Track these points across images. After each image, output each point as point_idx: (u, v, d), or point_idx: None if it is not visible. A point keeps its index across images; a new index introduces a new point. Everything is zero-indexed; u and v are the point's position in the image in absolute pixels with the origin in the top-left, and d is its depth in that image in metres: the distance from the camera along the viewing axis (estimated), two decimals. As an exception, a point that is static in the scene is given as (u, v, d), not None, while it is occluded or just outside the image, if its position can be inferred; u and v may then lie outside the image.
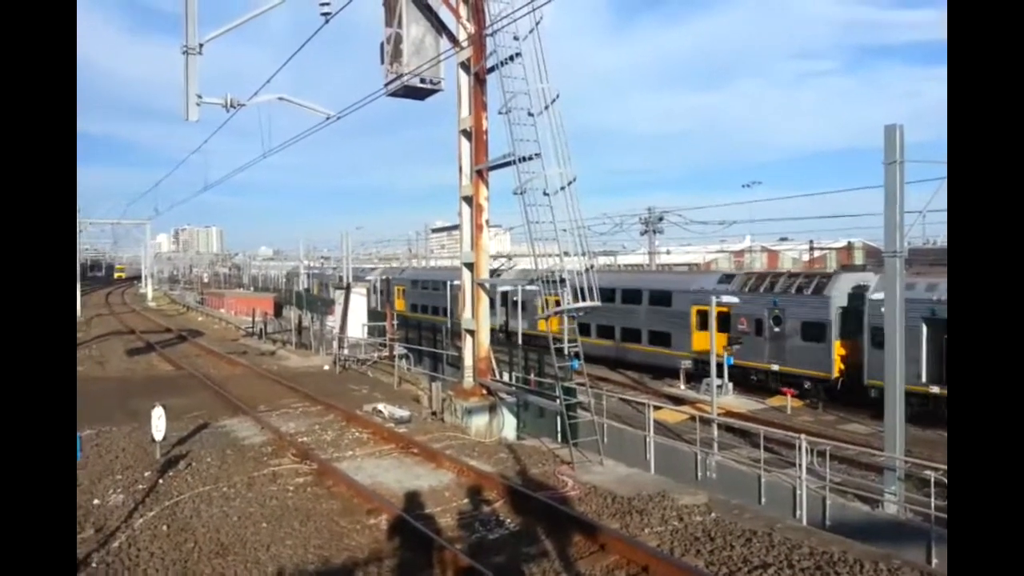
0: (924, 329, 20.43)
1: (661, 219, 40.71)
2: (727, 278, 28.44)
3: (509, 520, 9.60)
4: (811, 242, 55.88)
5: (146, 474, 11.66)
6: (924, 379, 20.28)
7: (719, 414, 19.11)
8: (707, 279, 29.91)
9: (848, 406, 22.47)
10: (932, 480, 10.32)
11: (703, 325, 26.19)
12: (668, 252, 52.65)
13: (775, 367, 24.63)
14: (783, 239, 63.35)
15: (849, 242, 61.08)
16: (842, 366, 23.30)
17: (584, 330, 21.95)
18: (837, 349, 23.34)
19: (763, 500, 12.25)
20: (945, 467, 10.76)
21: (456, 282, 27.94)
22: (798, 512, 11.68)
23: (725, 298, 23.46)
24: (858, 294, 23.16)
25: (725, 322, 25.41)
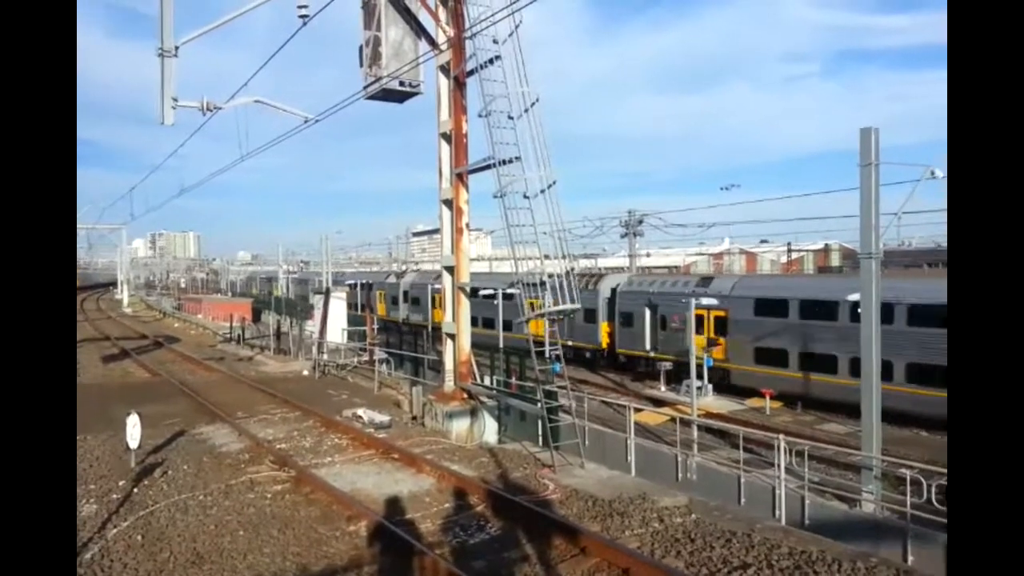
0: (647, 312, 30.22)
1: (641, 222, 40.90)
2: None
3: (490, 524, 9.55)
4: (788, 244, 56.56)
5: (120, 483, 11.44)
6: (648, 347, 30.23)
7: (699, 415, 19.25)
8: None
9: (610, 368, 32.07)
10: (908, 479, 10.46)
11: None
12: (648, 255, 52.94)
13: (569, 343, 30.23)
14: (763, 241, 64.07)
15: (826, 244, 61.93)
16: (607, 340, 32.62)
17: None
18: (603, 328, 32.66)
19: (743, 500, 12.33)
20: (920, 465, 10.92)
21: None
22: (777, 512, 11.78)
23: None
24: (615, 289, 32.31)
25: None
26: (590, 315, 32.60)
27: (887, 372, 20.42)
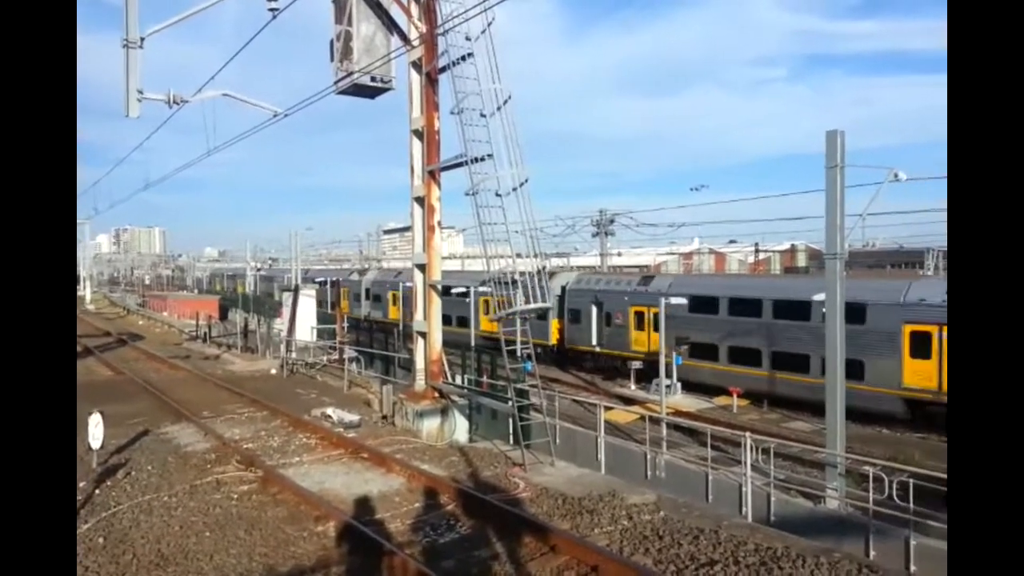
0: (594, 309, 30.95)
1: (612, 221, 41.17)
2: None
3: (460, 523, 9.53)
4: (756, 244, 57.43)
5: (81, 484, 11.16)
6: (595, 342, 30.99)
7: (668, 414, 19.44)
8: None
9: (559, 362, 32.56)
10: (871, 475, 10.69)
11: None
12: (619, 254, 53.30)
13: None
14: (731, 241, 64.95)
15: (792, 244, 63.02)
16: (557, 336, 32.94)
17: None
18: (554, 325, 32.66)
19: (710, 498, 12.49)
20: (883, 463, 11.17)
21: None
22: (744, 509, 11.95)
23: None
24: (565, 287, 32.63)
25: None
26: (542, 312, 32.65)
27: (804, 365, 22.65)
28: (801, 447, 15.45)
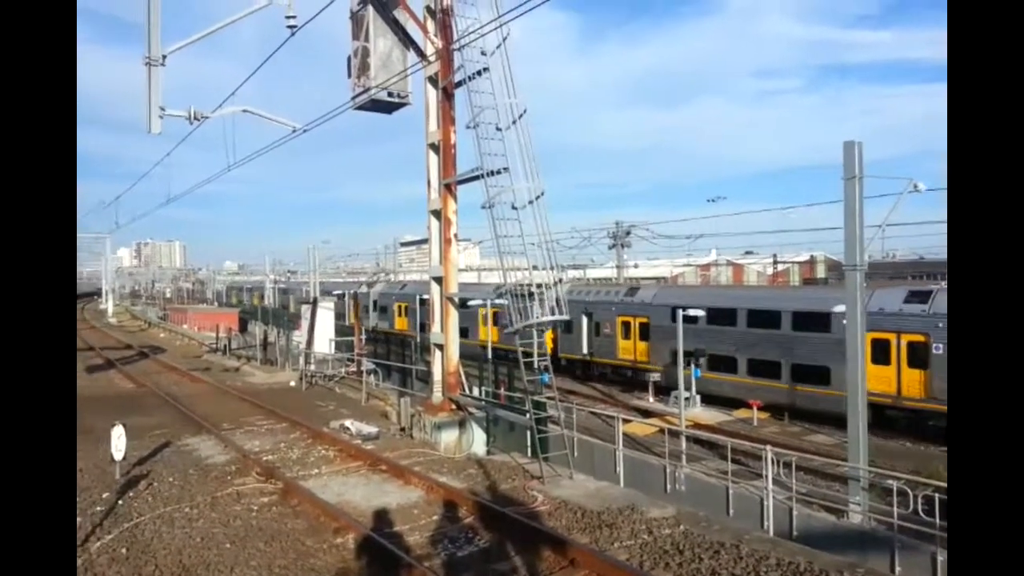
0: (584, 319, 31.72)
1: (628, 233, 41.12)
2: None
3: (479, 537, 9.51)
4: (775, 256, 56.96)
5: (104, 495, 11.29)
6: (585, 351, 31.94)
7: (687, 427, 19.29)
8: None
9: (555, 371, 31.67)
10: (895, 489, 10.52)
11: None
12: (636, 266, 53.16)
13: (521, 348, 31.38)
14: (748, 253, 64.44)
15: (811, 255, 62.43)
16: (551, 345, 30.99)
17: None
18: (548, 335, 30.66)
19: (731, 512, 12.36)
20: (907, 476, 10.99)
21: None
22: (765, 523, 11.81)
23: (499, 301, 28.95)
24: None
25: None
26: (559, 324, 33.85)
27: (776, 371, 23.80)
28: (823, 461, 15.25)
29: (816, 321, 22.99)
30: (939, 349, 20.13)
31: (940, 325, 19.89)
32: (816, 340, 22.83)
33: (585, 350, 32.34)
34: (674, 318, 27.35)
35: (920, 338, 20.68)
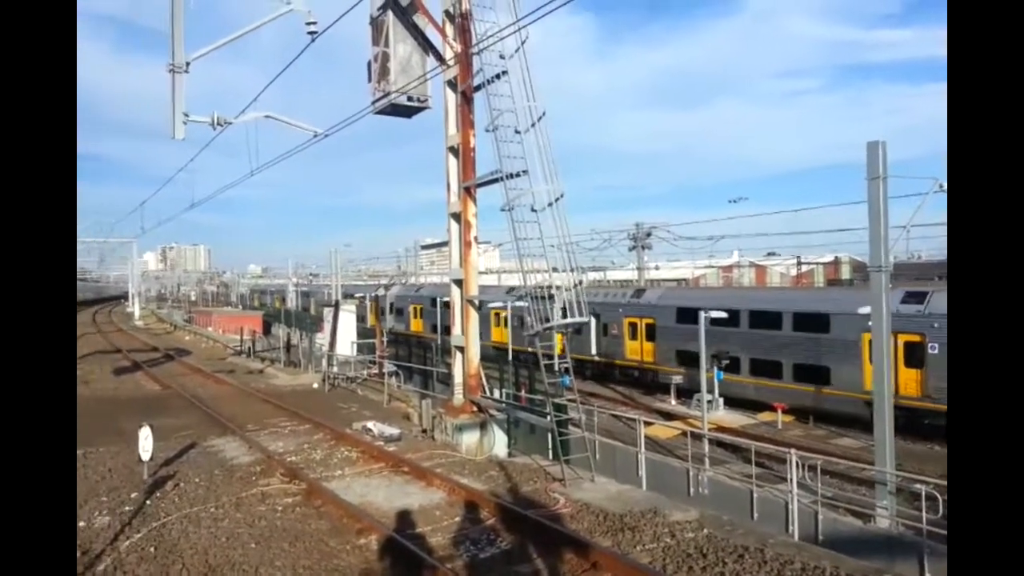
0: (592, 321, 29.98)
1: (649, 235, 40.84)
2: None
3: (500, 539, 9.52)
4: (798, 257, 56.33)
5: (133, 495, 11.50)
6: (594, 351, 31.79)
7: (710, 429, 19.13)
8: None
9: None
10: (923, 494, 10.34)
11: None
12: (657, 268, 52.85)
13: (529, 349, 31.21)
14: (771, 254, 63.81)
15: (836, 257, 61.62)
16: (561, 347, 30.83)
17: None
18: (559, 337, 30.87)
19: (755, 515, 12.23)
20: (936, 481, 10.80)
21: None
22: (790, 527, 11.66)
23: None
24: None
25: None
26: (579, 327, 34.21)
27: (777, 371, 24.30)
28: (849, 464, 15.00)
29: (816, 322, 23.45)
30: (935, 349, 20.20)
31: (936, 325, 19.99)
32: (815, 341, 23.28)
33: (594, 351, 32.41)
34: (679, 319, 28.33)
35: (916, 338, 20.71)
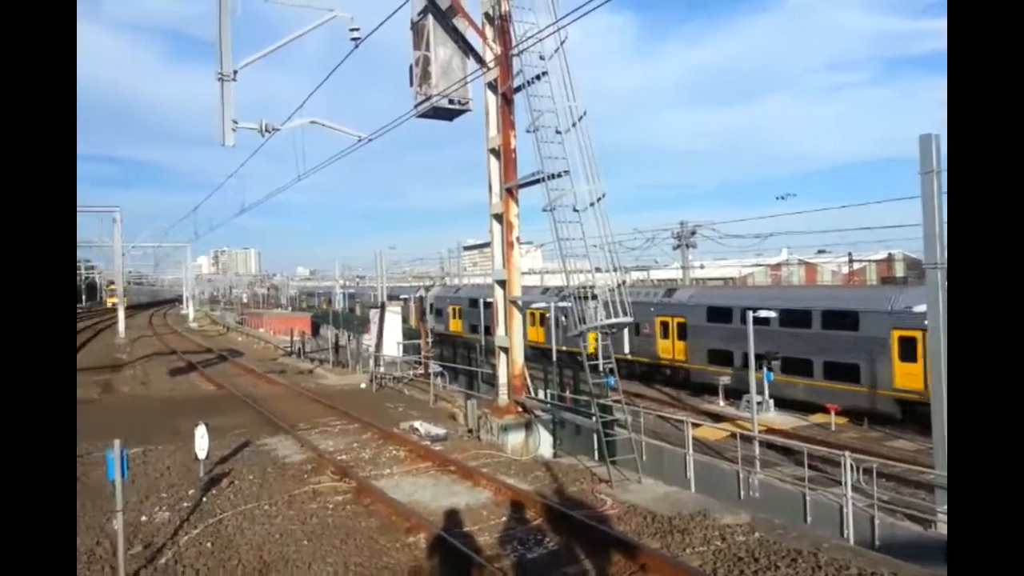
0: None
1: (694, 233, 40.19)
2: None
3: (548, 539, 9.53)
4: (850, 254, 54.69)
5: (190, 492, 11.89)
6: (627, 350, 31.53)
7: (760, 431, 18.74)
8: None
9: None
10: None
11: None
12: (702, 267, 51.98)
13: (563, 348, 30.29)
14: (821, 251, 62.10)
15: (889, 254, 59.63)
16: (594, 346, 30.58)
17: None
18: (591, 336, 32.23)
19: (808, 519, 11.95)
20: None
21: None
22: (845, 532, 11.37)
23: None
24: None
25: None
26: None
27: (807, 369, 24.29)
28: (905, 467, 14.52)
29: (846, 320, 23.41)
30: None
31: None
32: (846, 339, 23.28)
33: (627, 350, 32.36)
34: (709, 318, 28.61)
35: None
